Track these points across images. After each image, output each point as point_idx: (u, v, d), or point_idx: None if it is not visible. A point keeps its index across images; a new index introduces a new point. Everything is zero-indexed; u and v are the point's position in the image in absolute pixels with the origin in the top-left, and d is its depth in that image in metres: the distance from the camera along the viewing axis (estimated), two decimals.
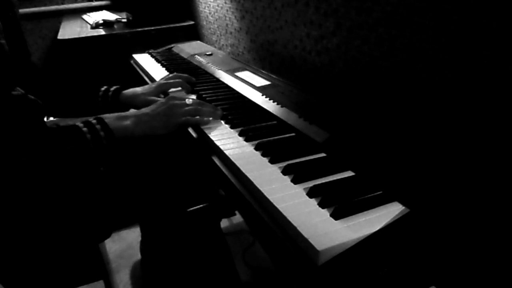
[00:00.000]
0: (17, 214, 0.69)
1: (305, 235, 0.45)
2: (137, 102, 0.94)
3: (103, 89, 0.96)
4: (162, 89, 0.98)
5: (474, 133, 0.63)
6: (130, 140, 0.74)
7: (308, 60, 1.05)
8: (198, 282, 0.87)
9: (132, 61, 1.45)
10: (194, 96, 0.95)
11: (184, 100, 0.81)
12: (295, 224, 0.47)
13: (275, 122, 0.79)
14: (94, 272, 1.03)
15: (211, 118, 0.80)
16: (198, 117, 0.79)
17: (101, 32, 1.76)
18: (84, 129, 0.69)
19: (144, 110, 0.79)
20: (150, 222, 0.96)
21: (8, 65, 0.76)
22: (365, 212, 0.49)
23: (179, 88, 1.00)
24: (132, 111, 0.80)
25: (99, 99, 0.96)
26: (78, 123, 0.70)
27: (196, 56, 1.35)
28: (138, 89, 0.98)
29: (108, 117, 0.73)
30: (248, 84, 1.00)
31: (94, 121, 0.71)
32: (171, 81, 0.98)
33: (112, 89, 0.97)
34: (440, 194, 0.50)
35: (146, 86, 0.99)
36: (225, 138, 0.72)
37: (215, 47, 1.67)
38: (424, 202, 0.49)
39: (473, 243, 0.43)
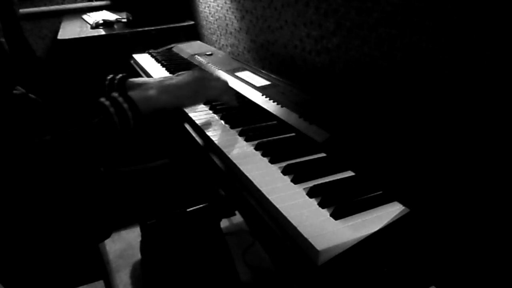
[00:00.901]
0: (18, 214, 0.69)
1: (305, 235, 0.45)
2: None
3: (109, 77, 0.95)
4: None
5: (474, 133, 0.63)
6: (156, 112, 0.70)
7: (308, 60, 1.05)
8: (198, 282, 0.87)
9: (132, 61, 1.45)
10: None
11: (212, 74, 0.79)
12: (295, 224, 0.47)
13: (275, 122, 0.79)
14: (94, 272, 1.03)
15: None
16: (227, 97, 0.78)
17: (101, 32, 1.76)
18: (107, 102, 0.65)
19: (168, 79, 0.75)
20: (150, 222, 0.96)
21: (8, 64, 0.76)
22: (365, 212, 0.49)
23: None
24: (156, 79, 0.76)
25: (106, 88, 0.94)
26: (101, 98, 0.67)
27: (196, 56, 1.35)
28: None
29: (130, 86, 0.68)
30: (248, 84, 0.99)
31: (115, 94, 0.67)
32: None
33: (118, 77, 0.95)
34: (440, 194, 0.50)
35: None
36: (225, 138, 0.72)
37: (215, 47, 1.67)
38: (424, 202, 0.49)
39: (473, 243, 0.43)
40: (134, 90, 0.69)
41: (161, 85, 0.72)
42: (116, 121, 0.64)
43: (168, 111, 0.72)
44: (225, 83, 0.79)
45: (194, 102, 0.74)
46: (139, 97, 0.68)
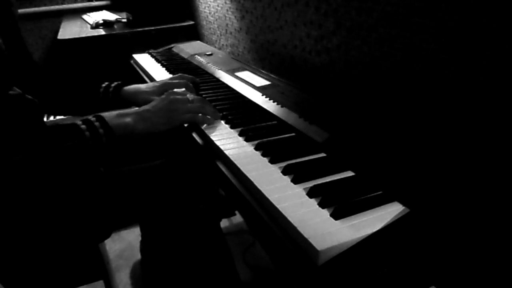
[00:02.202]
0: (17, 214, 0.69)
1: (305, 235, 0.45)
2: (139, 100, 0.93)
3: (104, 85, 0.96)
4: (166, 88, 0.97)
5: (474, 133, 0.63)
6: (131, 137, 0.73)
7: (308, 60, 1.05)
8: (198, 282, 0.87)
9: (132, 61, 1.45)
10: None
11: (186, 96, 0.80)
12: (295, 224, 0.47)
13: (275, 122, 0.79)
14: (94, 272, 1.03)
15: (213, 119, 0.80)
16: (201, 115, 0.78)
17: (101, 32, 1.76)
18: (83, 126, 0.68)
19: (145, 106, 0.78)
20: (150, 222, 0.96)
21: (4, 64, 0.76)
22: (365, 212, 0.49)
23: (183, 89, 0.99)
24: (133, 108, 0.79)
25: (100, 95, 0.95)
26: (77, 121, 0.69)
27: (196, 56, 1.35)
28: (142, 86, 0.97)
29: (108, 115, 0.72)
30: (248, 84, 0.99)
31: (93, 119, 0.70)
32: (176, 81, 0.98)
33: (113, 85, 0.96)
34: (440, 194, 0.50)
35: (149, 84, 0.98)
36: (225, 138, 0.72)
37: (215, 47, 1.67)
38: (424, 202, 0.49)
39: (473, 243, 0.43)
40: (111, 115, 0.72)
41: (138, 113, 0.75)
42: (90, 144, 0.67)
43: (142, 136, 0.75)
44: (200, 101, 0.80)
45: (169, 127, 0.77)
46: (115, 124, 0.71)
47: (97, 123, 0.69)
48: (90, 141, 0.67)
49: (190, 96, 0.81)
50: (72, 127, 0.68)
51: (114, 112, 0.73)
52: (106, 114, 0.72)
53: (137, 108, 0.78)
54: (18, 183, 0.62)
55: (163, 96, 0.80)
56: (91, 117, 0.71)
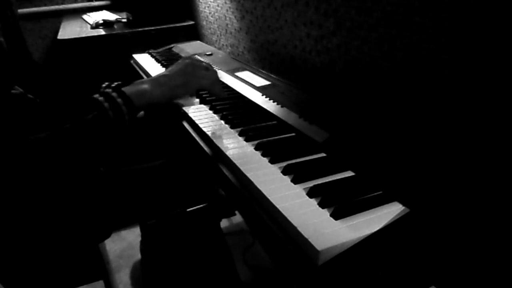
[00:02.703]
0: (17, 214, 0.69)
1: (305, 235, 0.45)
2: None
3: (104, 85, 0.96)
4: None
5: (474, 133, 0.63)
6: (151, 106, 0.71)
7: (308, 60, 1.05)
8: (198, 282, 0.87)
9: (132, 61, 1.45)
10: (197, 99, 0.94)
11: (202, 63, 0.79)
12: (295, 224, 0.47)
13: (275, 122, 0.79)
14: (94, 272, 1.03)
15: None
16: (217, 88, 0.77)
17: (101, 32, 1.76)
18: (101, 98, 0.66)
19: (161, 72, 0.75)
20: (150, 222, 0.96)
21: (6, 63, 0.76)
22: (365, 212, 0.49)
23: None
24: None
25: None
26: (94, 95, 0.67)
27: (196, 56, 1.35)
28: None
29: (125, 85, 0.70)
30: (248, 84, 0.99)
31: (109, 90, 0.68)
32: None
33: (113, 85, 0.96)
34: (440, 194, 0.50)
35: None
36: (225, 138, 0.72)
37: (215, 47, 1.67)
38: (424, 202, 0.49)
39: (473, 243, 0.43)
40: (127, 86, 0.70)
41: (154, 79, 0.72)
42: (111, 115, 0.64)
43: (162, 105, 0.72)
44: (215, 73, 0.79)
45: (186, 92, 0.74)
46: (132, 92, 0.68)
47: (114, 94, 0.67)
48: (110, 111, 0.64)
49: (205, 63, 0.79)
50: (91, 100, 0.65)
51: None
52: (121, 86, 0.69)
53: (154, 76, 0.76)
54: (19, 183, 0.62)
55: (179, 61, 0.78)
56: (107, 89, 0.68)
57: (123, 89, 0.68)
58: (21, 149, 0.58)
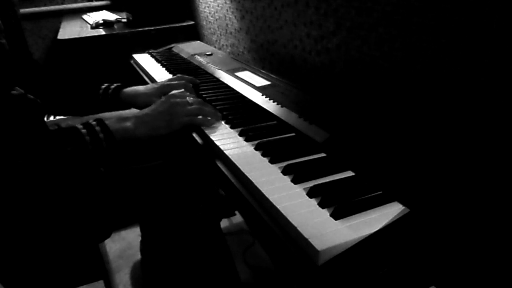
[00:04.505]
0: (17, 214, 0.69)
1: (305, 235, 0.45)
2: (138, 101, 0.94)
3: (103, 86, 0.96)
4: (165, 90, 0.97)
5: (474, 133, 0.63)
6: (132, 141, 0.74)
7: (308, 60, 1.05)
8: (198, 282, 0.87)
9: (132, 61, 1.45)
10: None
11: (185, 98, 0.80)
12: (295, 224, 0.47)
13: (275, 122, 0.79)
14: (94, 272, 1.03)
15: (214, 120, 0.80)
16: (201, 117, 0.79)
17: (101, 32, 1.76)
18: (83, 130, 0.68)
19: (145, 110, 0.78)
20: (150, 222, 0.96)
21: (8, 64, 0.76)
22: (365, 212, 0.49)
23: (183, 90, 0.99)
24: (133, 111, 0.79)
25: (100, 97, 0.95)
26: (78, 124, 0.69)
27: (196, 56, 1.35)
28: (140, 88, 0.98)
29: (109, 118, 0.72)
30: (248, 84, 0.99)
31: (93, 123, 0.70)
32: (175, 82, 0.98)
33: (112, 86, 0.96)
34: (440, 194, 0.50)
35: (148, 86, 0.99)
36: (225, 138, 0.72)
37: (215, 47, 1.67)
38: (424, 202, 0.49)
39: (473, 243, 0.43)
40: (112, 119, 0.72)
41: (138, 116, 0.75)
42: (90, 149, 0.67)
43: (143, 141, 0.75)
44: (198, 106, 0.80)
45: (169, 130, 0.77)
46: (116, 128, 0.70)
47: (97, 128, 0.69)
48: (90, 145, 0.67)
49: (189, 98, 0.81)
50: (72, 131, 0.68)
51: (115, 115, 0.73)
52: (106, 116, 0.72)
53: (137, 111, 0.78)
54: (19, 186, 0.62)
55: (162, 99, 0.80)
56: (91, 121, 0.70)
57: (107, 123, 0.70)
58: (7, 173, 0.61)
